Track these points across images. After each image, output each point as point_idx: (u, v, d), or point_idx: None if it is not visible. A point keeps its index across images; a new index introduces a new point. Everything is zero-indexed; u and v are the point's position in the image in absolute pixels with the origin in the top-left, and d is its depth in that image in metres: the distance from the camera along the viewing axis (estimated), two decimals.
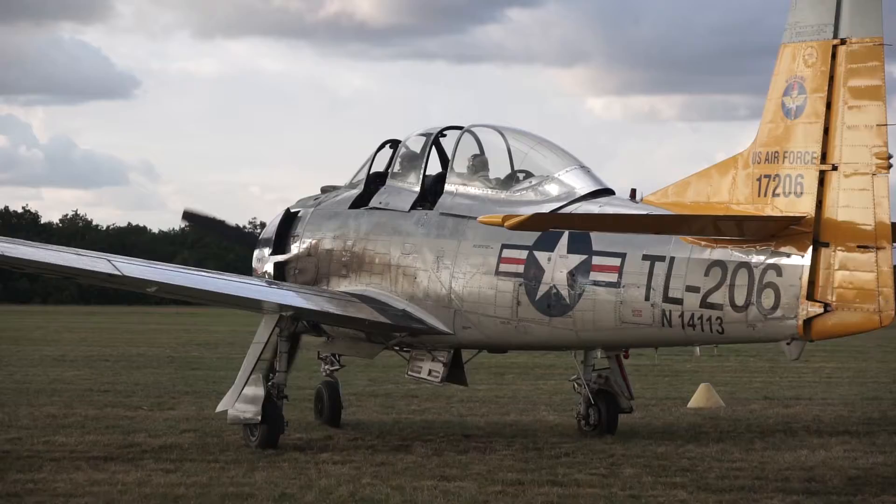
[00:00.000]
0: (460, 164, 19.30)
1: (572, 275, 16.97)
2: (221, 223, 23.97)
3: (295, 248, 20.99)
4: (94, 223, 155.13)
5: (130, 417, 22.32)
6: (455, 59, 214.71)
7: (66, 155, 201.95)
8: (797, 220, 14.69)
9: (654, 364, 38.49)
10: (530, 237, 17.35)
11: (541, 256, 17.36)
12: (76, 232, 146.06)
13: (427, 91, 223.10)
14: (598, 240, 16.76)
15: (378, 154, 20.65)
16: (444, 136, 19.99)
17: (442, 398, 26.38)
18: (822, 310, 14.47)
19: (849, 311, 14.30)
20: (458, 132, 19.62)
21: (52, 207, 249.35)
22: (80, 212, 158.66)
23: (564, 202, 17.70)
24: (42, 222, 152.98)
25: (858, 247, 14.20)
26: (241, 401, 18.52)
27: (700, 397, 25.73)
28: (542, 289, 17.30)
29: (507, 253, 17.79)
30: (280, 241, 21.26)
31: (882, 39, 14.36)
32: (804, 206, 14.67)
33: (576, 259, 16.96)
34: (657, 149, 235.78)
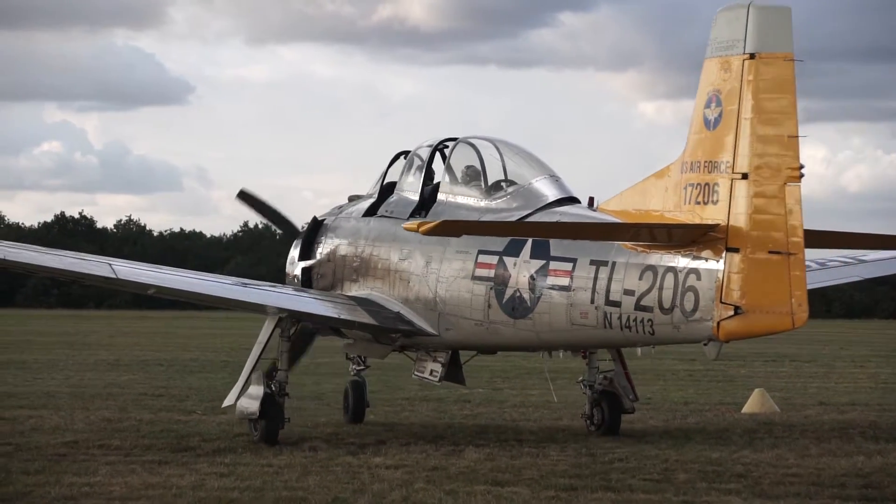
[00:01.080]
0: (454, 174, 20.15)
1: (532, 279, 17.91)
2: (274, 210, 24.34)
3: (318, 254, 22.21)
4: (147, 228, 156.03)
5: (184, 421, 22.44)
6: (506, 64, 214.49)
7: (121, 161, 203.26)
8: (713, 227, 15.40)
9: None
10: (501, 243, 18.33)
11: (508, 262, 18.29)
12: (130, 237, 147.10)
13: (478, 96, 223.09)
14: (556, 246, 17.67)
15: (394, 164, 21.69)
16: (447, 146, 20.71)
17: (494, 403, 26.35)
18: (732, 312, 15.10)
19: (759, 314, 14.98)
20: (454, 143, 20.48)
21: (106, 213, 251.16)
22: (135, 217, 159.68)
23: (533, 210, 18.69)
24: (97, 227, 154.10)
25: (770, 252, 14.86)
26: (246, 397, 19.57)
27: (754, 403, 25.58)
28: (508, 292, 18.26)
29: (481, 258, 18.74)
30: (307, 248, 22.49)
31: (792, 55, 15.10)
32: (720, 214, 15.40)
33: (536, 264, 17.92)
34: None
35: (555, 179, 19.16)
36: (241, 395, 19.58)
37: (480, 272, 18.71)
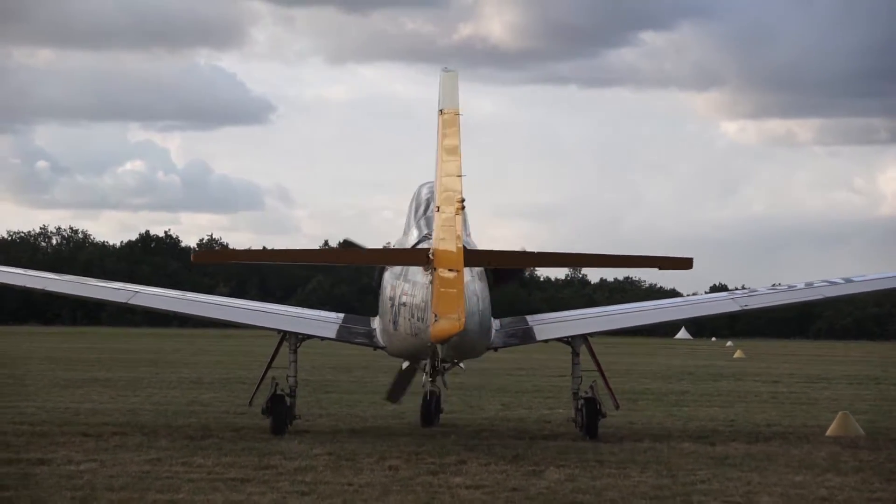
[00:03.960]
0: (421, 213, 23.58)
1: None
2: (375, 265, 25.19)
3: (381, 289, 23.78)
4: (230, 247, 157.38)
5: (266, 440, 22.58)
6: (587, 83, 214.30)
7: (203, 179, 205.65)
8: (430, 251, 19.53)
9: (787, 392, 37.85)
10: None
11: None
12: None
13: (559, 115, 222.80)
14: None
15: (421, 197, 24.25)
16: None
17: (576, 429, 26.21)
18: (434, 318, 18.31)
19: (445, 320, 18.18)
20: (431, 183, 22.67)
21: (188, 231, 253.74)
22: (216, 235, 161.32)
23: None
24: (181, 246, 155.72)
25: (449, 270, 18.50)
26: (262, 396, 23.94)
27: (839, 426, 25.30)
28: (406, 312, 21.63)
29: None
30: (378, 281, 23.95)
31: (458, 110, 20.15)
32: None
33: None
34: (793, 174, 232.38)
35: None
36: (255, 397, 24.40)
37: (402, 298, 21.84)
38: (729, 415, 29.98)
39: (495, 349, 24.18)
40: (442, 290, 18.37)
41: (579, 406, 23.90)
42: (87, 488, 16.52)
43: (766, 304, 25.14)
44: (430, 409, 25.54)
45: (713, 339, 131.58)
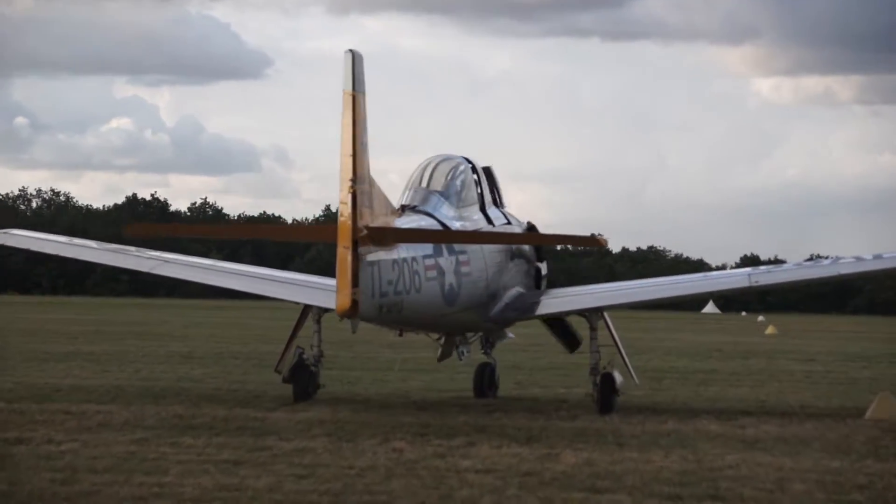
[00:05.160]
0: (411, 184, 25.70)
1: None
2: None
3: None
4: (223, 211, 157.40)
5: (261, 419, 22.64)
6: (610, 36, 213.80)
7: (194, 139, 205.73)
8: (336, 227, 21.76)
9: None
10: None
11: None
12: (206, 221, 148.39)
13: (579, 71, 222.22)
14: None
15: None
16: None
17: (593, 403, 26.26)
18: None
19: (339, 295, 20.91)
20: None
21: (179, 195, 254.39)
22: (210, 199, 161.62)
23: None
24: (171, 211, 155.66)
25: (343, 247, 21.09)
26: (285, 364, 26.04)
27: (879, 408, 25.30)
28: None
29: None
30: None
31: (351, 91, 22.37)
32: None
33: None
34: (831, 135, 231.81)
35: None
36: (280, 364, 26.29)
37: None
38: (760, 395, 30.00)
39: (498, 323, 26.33)
40: (338, 266, 20.93)
41: (596, 381, 25.23)
42: (68, 470, 16.57)
43: (778, 280, 26.53)
44: (483, 380, 27.85)
45: (743, 313, 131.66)
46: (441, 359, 27.47)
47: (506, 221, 26.55)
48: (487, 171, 26.56)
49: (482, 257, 24.98)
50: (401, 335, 26.36)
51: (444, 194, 25.21)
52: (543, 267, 27.42)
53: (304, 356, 25.80)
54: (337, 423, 22.21)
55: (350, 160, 21.53)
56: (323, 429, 21.23)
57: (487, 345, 27.64)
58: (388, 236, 22.04)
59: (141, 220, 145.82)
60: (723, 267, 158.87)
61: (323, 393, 26.40)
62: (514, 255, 26.35)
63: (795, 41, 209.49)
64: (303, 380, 25.71)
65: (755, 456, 19.25)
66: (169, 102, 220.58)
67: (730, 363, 43.02)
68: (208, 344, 46.78)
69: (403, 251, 22.37)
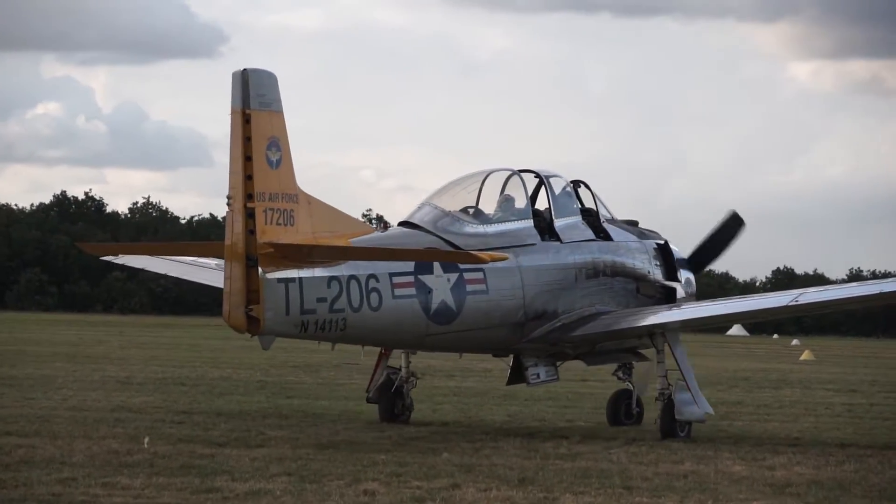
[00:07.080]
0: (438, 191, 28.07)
1: None
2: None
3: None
4: (170, 213, 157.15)
5: (210, 455, 22.63)
6: (623, 11, 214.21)
7: (136, 128, 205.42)
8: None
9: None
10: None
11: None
12: (148, 224, 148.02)
13: (586, 51, 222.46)
14: None
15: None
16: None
17: (599, 441, 26.32)
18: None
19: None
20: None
21: (117, 193, 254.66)
22: (154, 199, 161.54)
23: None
24: (107, 211, 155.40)
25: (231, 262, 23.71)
26: (373, 385, 29.15)
27: None
28: None
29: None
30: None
31: (236, 110, 23.41)
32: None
33: None
34: (880, 128, 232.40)
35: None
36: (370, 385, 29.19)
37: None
38: (792, 431, 30.06)
39: (549, 343, 28.04)
40: (224, 283, 23.46)
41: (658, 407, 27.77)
42: None
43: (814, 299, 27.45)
44: (620, 408, 29.74)
45: (775, 335, 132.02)
46: (509, 382, 29.35)
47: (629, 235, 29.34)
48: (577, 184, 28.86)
49: (516, 274, 27.07)
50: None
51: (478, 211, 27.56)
52: (679, 288, 29.24)
53: (393, 376, 28.98)
54: (299, 460, 22.21)
55: (238, 178, 23.35)
56: (283, 467, 21.22)
57: (625, 371, 29.74)
58: (302, 252, 23.93)
59: (72, 222, 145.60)
60: (752, 283, 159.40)
61: (283, 425, 26.32)
62: (597, 273, 28.26)
63: (839, 18, 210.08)
64: (390, 399, 28.94)
65: (785, 502, 19.27)
66: (106, 85, 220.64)
67: (758, 394, 43.11)
68: (150, 367, 46.73)
69: (352, 268, 24.58)
